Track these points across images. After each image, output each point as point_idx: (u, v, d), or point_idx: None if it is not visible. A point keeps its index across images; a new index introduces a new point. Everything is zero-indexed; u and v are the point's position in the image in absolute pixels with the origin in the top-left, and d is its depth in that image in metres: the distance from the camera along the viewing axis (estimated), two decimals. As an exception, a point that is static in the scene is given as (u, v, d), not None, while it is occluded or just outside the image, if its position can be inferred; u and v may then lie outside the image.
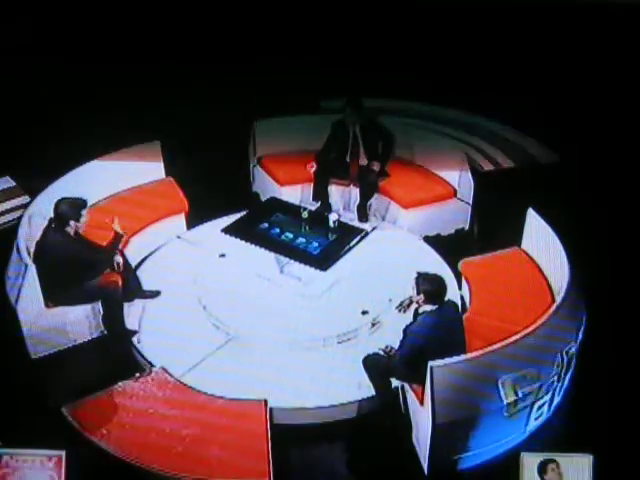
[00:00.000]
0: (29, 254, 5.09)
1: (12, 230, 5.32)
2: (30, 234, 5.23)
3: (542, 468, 4.53)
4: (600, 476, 4.51)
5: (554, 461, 4.53)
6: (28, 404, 4.75)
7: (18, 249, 5.13)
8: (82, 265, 5.12)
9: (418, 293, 4.58)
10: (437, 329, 4.51)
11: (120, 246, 5.28)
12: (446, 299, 4.60)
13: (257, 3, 5.47)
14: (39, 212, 5.28)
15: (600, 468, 4.50)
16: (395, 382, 4.74)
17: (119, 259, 5.22)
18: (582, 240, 5.10)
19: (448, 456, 4.52)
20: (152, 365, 4.94)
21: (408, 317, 4.70)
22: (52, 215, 5.08)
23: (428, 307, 4.56)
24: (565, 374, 4.79)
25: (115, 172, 5.81)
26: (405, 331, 4.58)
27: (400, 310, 4.79)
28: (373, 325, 5.19)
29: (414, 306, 4.66)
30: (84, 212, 5.09)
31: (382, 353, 4.71)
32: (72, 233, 5.10)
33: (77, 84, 5.57)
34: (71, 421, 4.59)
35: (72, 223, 5.07)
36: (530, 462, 4.54)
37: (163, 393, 4.74)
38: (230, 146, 6.11)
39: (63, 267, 5.04)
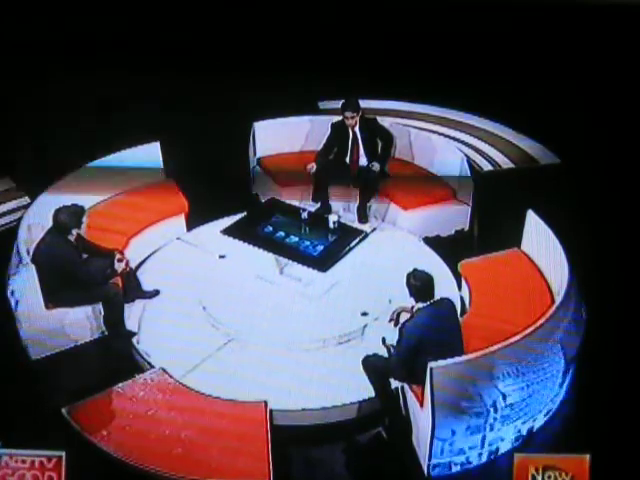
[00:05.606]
0: (29, 255, 5.09)
1: (12, 231, 5.32)
2: (30, 235, 5.23)
3: (541, 469, 4.54)
4: (598, 477, 4.52)
5: (553, 463, 4.54)
6: (28, 405, 4.75)
7: (18, 250, 5.14)
8: (81, 271, 5.13)
9: (408, 288, 4.62)
10: (432, 325, 4.51)
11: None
12: (443, 297, 4.61)
13: (257, 3, 5.46)
14: (39, 213, 5.29)
15: (598, 469, 4.51)
16: (395, 383, 4.75)
17: (121, 265, 5.22)
18: (582, 241, 5.10)
19: (448, 457, 4.53)
20: (152, 366, 4.95)
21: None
22: (51, 221, 5.07)
23: (421, 304, 4.57)
24: (565, 375, 4.80)
25: (115, 173, 5.81)
26: (401, 330, 4.59)
27: (391, 322, 4.82)
28: (373, 326, 5.20)
29: (404, 315, 4.69)
30: (84, 219, 5.11)
31: (384, 348, 4.72)
32: (72, 239, 5.12)
33: (77, 85, 5.57)
34: (71, 422, 4.58)
35: (74, 231, 5.10)
36: (529, 463, 4.55)
37: (163, 394, 4.75)
38: (230, 147, 6.11)
39: (63, 270, 5.04)
